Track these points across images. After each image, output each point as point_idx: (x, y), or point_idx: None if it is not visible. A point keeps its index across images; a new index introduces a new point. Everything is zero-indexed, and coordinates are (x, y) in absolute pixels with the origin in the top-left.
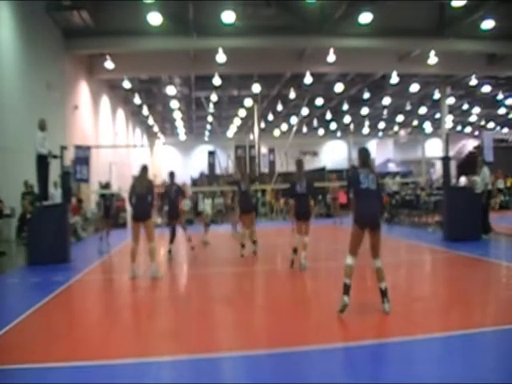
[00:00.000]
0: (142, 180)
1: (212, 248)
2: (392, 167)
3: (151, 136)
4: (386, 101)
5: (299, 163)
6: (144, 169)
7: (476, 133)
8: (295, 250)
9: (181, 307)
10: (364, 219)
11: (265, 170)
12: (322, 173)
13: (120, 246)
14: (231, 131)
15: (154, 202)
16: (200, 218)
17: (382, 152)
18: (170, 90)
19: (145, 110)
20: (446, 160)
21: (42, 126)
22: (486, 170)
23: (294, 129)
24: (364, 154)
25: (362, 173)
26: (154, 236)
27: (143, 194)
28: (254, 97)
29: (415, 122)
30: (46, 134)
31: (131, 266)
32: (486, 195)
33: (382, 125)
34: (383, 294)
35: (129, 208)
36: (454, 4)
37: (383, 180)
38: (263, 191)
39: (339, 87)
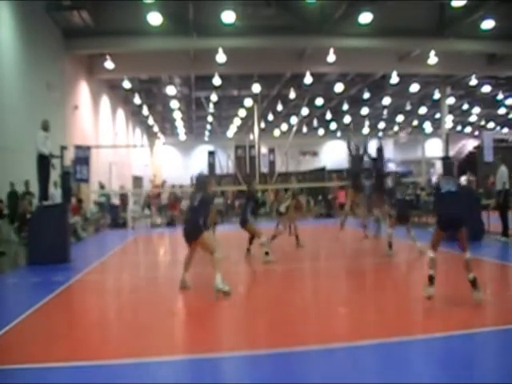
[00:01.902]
0: (196, 191)
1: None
2: (392, 167)
3: (151, 136)
4: (386, 101)
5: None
6: (200, 179)
7: (476, 133)
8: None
9: (181, 307)
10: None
11: (265, 170)
12: (322, 173)
13: (121, 246)
14: (231, 131)
15: (208, 215)
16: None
17: None
18: (170, 90)
19: (145, 110)
20: (445, 160)
21: (45, 127)
22: (503, 169)
23: (294, 129)
24: None
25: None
26: (212, 246)
27: (193, 208)
28: (254, 97)
29: (415, 122)
30: (48, 134)
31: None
32: (504, 195)
33: (381, 125)
34: None
35: (130, 207)
36: (454, 4)
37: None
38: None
39: (339, 87)
